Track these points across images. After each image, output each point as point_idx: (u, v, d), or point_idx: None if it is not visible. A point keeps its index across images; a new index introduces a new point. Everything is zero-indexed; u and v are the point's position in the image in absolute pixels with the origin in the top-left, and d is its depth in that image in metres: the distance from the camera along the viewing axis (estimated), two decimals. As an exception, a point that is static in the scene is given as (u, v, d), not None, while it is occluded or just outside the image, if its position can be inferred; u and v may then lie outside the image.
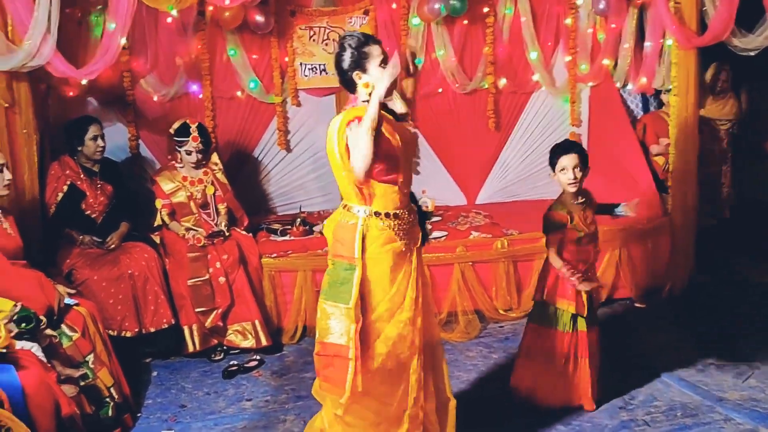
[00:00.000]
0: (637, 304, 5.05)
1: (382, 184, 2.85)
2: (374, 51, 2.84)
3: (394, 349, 2.88)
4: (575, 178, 3.44)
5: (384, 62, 2.81)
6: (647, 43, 5.35)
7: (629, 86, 5.71)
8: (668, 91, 5.25)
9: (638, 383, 3.89)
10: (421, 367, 2.95)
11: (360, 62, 2.84)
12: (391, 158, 2.82)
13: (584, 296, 3.52)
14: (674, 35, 4.89)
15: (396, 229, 2.88)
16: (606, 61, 5.63)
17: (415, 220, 2.98)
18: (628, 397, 3.77)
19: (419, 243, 3.01)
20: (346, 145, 2.76)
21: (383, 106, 2.73)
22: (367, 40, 2.87)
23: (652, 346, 4.42)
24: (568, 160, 3.45)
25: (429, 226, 3.15)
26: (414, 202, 3.06)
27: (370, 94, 2.72)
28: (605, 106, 5.79)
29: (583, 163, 3.49)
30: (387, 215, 2.86)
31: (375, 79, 2.75)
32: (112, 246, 4.43)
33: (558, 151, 3.51)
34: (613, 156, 5.57)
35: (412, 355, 2.92)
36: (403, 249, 2.90)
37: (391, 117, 2.89)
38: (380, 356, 2.87)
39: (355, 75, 2.85)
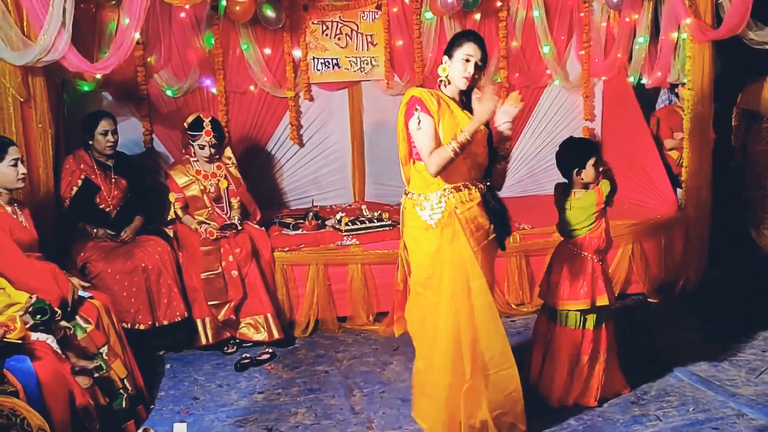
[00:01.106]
0: (650, 299, 5.03)
1: None
2: (467, 45, 3.10)
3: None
4: (595, 177, 3.57)
5: (469, 59, 3.08)
6: (662, 37, 5.31)
7: (644, 80, 5.67)
8: (683, 84, 5.22)
9: (650, 378, 3.87)
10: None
11: (450, 48, 3.15)
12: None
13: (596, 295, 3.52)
14: (689, 28, 4.85)
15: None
16: (620, 55, 5.59)
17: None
18: (640, 392, 3.76)
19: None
20: (405, 122, 3.13)
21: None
22: (467, 34, 3.19)
23: (665, 341, 4.40)
24: (592, 163, 3.55)
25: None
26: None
27: (447, 76, 3.14)
28: (619, 101, 5.75)
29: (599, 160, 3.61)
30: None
31: (451, 69, 3.12)
32: (126, 239, 4.46)
33: (582, 156, 3.58)
34: (627, 150, 5.54)
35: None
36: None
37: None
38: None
39: (444, 57, 3.18)
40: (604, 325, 3.60)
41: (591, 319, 3.55)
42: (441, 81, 3.18)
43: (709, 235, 5.19)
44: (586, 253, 3.56)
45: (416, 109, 3.06)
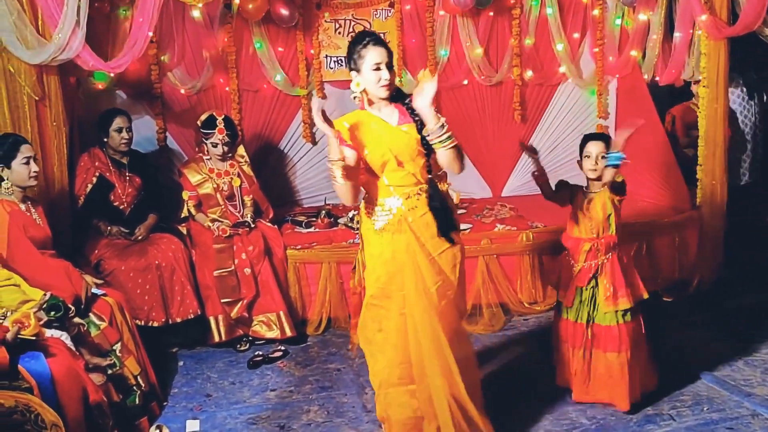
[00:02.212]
0: (664, 298, 4.99)
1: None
2: (369, 53, 2.91)
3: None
4: (596, 165, 3.52)
5: (378, 67, 2.91)
6: (677, 34, 5.25)
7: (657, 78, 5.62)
8: (697, 82, 5.17)
9: (664, 377, 3.84)
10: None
11: (353, 62, 2.97)
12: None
13: (576, 289, 3.53)
14: (704, 25, 4.80)
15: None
16: (634, 53, 5.55)
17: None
18: (654, 391, 3.73)
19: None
20: None
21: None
22: (362, 41, 2.95)
23: (679, 340, 4.37)
24: (594, 147, 3.53)
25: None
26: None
27: (363, 91, 2.98)
28: (633, 98, 5.71)
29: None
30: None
31: (366, 82, 2.94)
32: (140, 237, 4.48)
33: (587, 137, 3.62)
34: (641, 148, 5.49)
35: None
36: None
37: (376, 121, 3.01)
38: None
39: (352, 72, 2.98)
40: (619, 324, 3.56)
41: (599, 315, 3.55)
42: (356, 97, 3.02)
43: (725, 234, 5.14)
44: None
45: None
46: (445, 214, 3.04)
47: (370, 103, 3.04)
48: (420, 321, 3.02)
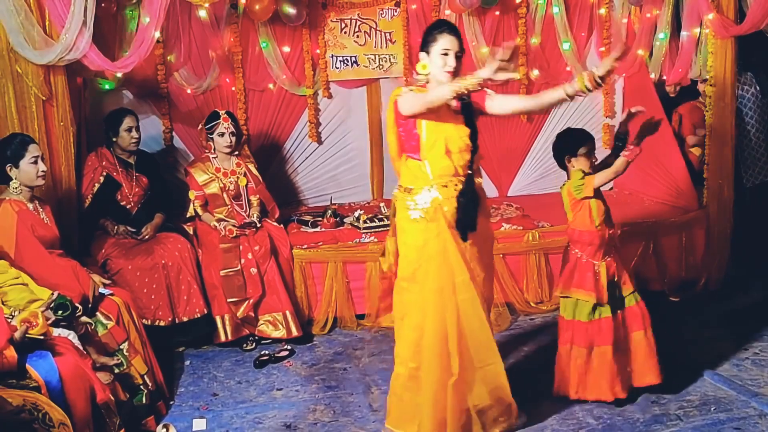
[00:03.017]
0: (671, 298, 4.98)
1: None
2: (442, 39, 3.08)
3: None
4: (596, 159, 3.63)
5: (447, 52, 3.08)
6: (683, 33, 5.24)
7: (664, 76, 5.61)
8: (704, 81, 5.16)
9: (671, 377, 3.84)
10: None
11: (425, 44, 3.15)
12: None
13: (603, 281, 3.51)
14: (711, 24, 4.79)
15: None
16: (640, 52, 5.54)
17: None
18: (661, 391, 3.72)
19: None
20: (395, 118, 3.16)
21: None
22: (439, 27, 3.15)
23: (686, 339, 4.36)
24: (592, 144, 3.67)
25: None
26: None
27: (428, 74, 3.14)
28: (639, 97, 5.69)
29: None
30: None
31: (431, 65, 3.12)
32: (147, 236, 4.49)
33: (581, 138, 3.69)
34: (648, 147, 5.44)
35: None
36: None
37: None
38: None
39: (421, 53, 3.17)
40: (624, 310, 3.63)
41: (605, 309, 3.56)
42: (421, 80, 3.19)
43: (732, 234, 5.12)
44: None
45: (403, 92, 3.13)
46: (468, 210, 3.14)
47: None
48: (439, 309, 3.13)
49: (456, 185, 3.15)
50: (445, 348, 3.15)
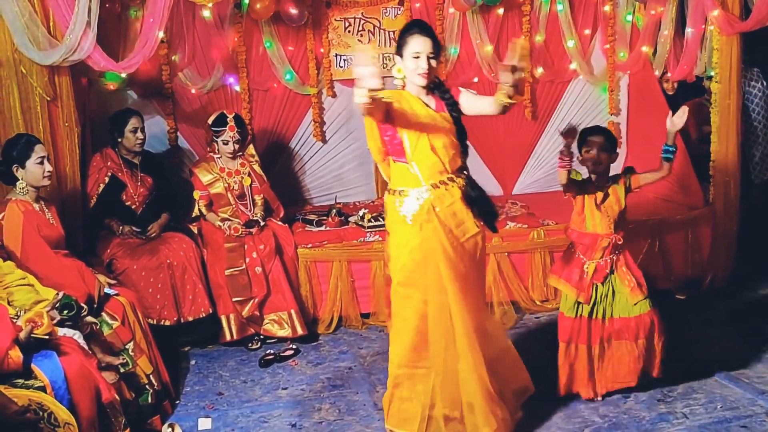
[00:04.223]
0: (677, 296, 4.96)
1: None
2: (412, 41, 3.02)
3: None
4: (599, 159, 3.53)
5: (418, 55, 3.01)
6: (688, 29, 5.22)
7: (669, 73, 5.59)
8: (709, 78, 5.14)
9: (677, 375, 3.83)
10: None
11: (399, 47, 3.10)
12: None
13: (587, 280, 3.51)
14: (716, 20, 4.77)
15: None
16: (645, 49, 5.52)
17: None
18: (667, 389, 3.72)
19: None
20: (375, 125, 3.13)
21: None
22: (410, 29, 3.08)
23: (692, 338, 4.34)
24: (596, 139, 3.55)
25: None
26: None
27: (403, 78, 3.10)
28: (644, 94, 5.68)
29: (611, 148, 3.57)
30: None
31: (405, 68, 3.07)
32: (152, 235, 4.50)
33: (586, 132, 3.62)
34: (653, 144, 5.44)
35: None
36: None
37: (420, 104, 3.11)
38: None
39: (396, 57, 3.13)
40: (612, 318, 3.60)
41: (585, 308, 3.57)
42: (398, 84, 3.15)
43: (738, 231, 5.10)
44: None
45: None
46: (485, 202, 3.15)
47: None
48: (442, 308, 3.11)
49: (445, 183, 3.11)
50: (452, 346, 3.15)
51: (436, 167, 3.10)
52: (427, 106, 3.11)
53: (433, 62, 3.04)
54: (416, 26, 3.09)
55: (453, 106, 3.13)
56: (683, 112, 3.52)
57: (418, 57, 3.01)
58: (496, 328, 3.42)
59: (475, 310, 3.18)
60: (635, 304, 3.50)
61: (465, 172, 3.19)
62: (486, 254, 3.33)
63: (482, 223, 3.17)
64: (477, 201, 3.14)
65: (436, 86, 3.15)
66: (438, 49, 3.07)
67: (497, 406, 3.20)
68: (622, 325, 3.53)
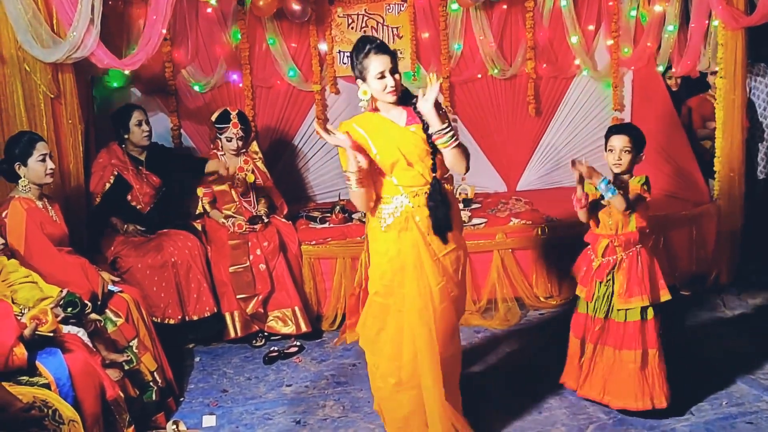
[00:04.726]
0: (681, 292, 4.95)
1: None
2: (371, 64, 2.91)
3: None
4: (619, 159, 3.42)
5: (382, 75, 2.91)
6: (692, 25, 5.20)
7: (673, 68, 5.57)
8: (714, 73, 5.12)
9: (682, 372, 3.82)
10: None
11: (358, 72, 2.99)
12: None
13: (591, 277, 3.49)
14: (721, 15, 4.75)
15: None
16: (649, 44, 5.50)
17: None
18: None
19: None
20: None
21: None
22: (364, 51, 2.94)
23: (697, 334, 4.33)
24: (617, 141, 3.44)
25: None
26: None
27: (368, 100, 3.00)
28: (648, 90, 5.66)
29: (636, 148, 3.44)
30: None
31: (373, 90, 2.96)
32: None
33: (611, 130, 3.53)
34: (657, 141, 5.45)
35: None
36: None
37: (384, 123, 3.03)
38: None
39: (358, 81, 3.01)
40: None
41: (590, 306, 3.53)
42: (364, 105, 3.04)
43: (743, 227, 5.09)
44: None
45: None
46: (439, 212, 3.01)
47: (376, 109, 3.06)
48: (417, 320, 3.02)
49: (426, 193, 3.02)
50: (434, 356, 3.03)
51: (416, 179, 3.01)
52: (396, 123, 3.03)
53: (397, 76, 2.96)
54: (369, 44, 2.95)
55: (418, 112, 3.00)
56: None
57: (383, 77, 2.92)
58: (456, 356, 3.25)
59: (444, 334, 3.06)
60: (619, 310, 3.41)
61: (434, 183, 3.03)
62: (467, 269, 3.23)
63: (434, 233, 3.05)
64: (431, 210, 3.01)
65: (404, 96, 3.04)
66: (396, 62, 2.99)
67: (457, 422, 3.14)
68: (613, 328, 3.45)
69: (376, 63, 2.92)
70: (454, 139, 2.93)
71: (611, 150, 3.46)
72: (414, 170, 3.01)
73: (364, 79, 2.97)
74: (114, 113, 4.58)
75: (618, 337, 3.43)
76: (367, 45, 2.95)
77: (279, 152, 5.47)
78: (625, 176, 3.48)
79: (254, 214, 4.68)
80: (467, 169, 3.05)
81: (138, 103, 4.89)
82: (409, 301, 3.03)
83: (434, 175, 3.02)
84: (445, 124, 2.92)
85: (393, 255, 3.06)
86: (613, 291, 3.47)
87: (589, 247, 3.59)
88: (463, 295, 3.24)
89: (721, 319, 4.57)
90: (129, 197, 4.52)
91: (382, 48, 2.95)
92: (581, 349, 3.56)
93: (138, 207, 4.55)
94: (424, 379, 3.04)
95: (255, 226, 4.56)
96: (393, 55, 2.97)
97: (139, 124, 4.50)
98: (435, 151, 3.01)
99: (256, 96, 5.37)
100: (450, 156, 2.97)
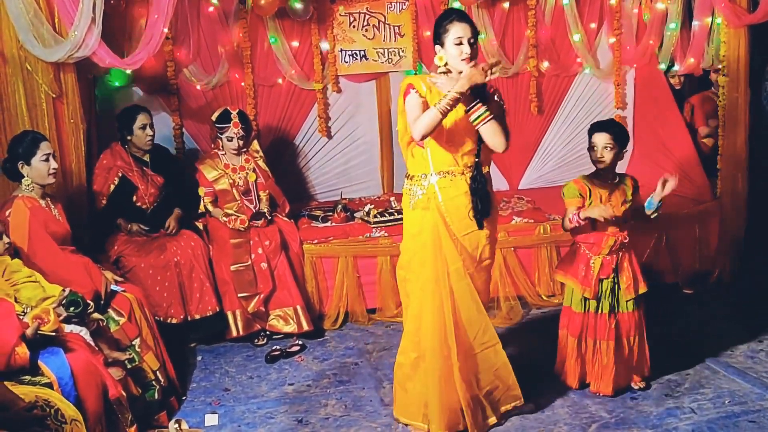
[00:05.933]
0: (684, 290, 4.94)
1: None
2: (453, 28, 3.07)
3: None
4: (601, 156, 3.49)
5: (461, 41, 3.06)
6: (695, 22, 5.19)
7: (675, 66, 5.55)
8: (716, 71, 5.10)
9: (685, 370, 3.82)
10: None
11: (438, 36, 3.14)
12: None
13: (593, 275, 3.50)
14: (723, 13, 4.74)
15: None
16: (651, 42, 5.49)
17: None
18: (674, 384, 3.71)
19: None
20: (403, 107, 3.16)
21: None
22: (448, 17, 3.13)
23: (700, 332, 4.33)
24: (599, 139, 3.50)
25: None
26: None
27: (446, 65, 3.13)
28: (651, 88, 5.65)
29: (619, 144, 3.50)
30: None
31: (448, 55, 3.10)
32: (173, 231, 4.50)
33: (593, 128, 3.58)
34: (660, 139, 5.45)
35: None
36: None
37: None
38: None
39: (436, 46, 3.16)
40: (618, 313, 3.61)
41: (592, 303, 3.58)
42: (440, 71, 3.18)
43: (746, 225, 5.07)
44: None
45: (410, 92, 3.13)
46: (482, 197, 3.15)
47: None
48: (431, 298, 3.17)
49: (453, 175, 3.16)
50: (444, 336, 3.19)
51: (449, 159, 3.16)
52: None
53: (475, 47, 3.10)
54: (454, 13, 3.15)
55: (482, 92, 3.09)
56: (674, 182, 3.50)
57: (460, 43, 3.06)
58: (491, 338, 3.34)
59: (467, 320, 3.22)
60: (627, 301, 3.54)
61: (476, 167, 3.18)
62: (492, 259, 3.34)
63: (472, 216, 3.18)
64: (474, 194, 3.16)
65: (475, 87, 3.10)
66: (477, 35, 3.13)
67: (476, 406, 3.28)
68: (623, 320, 3.57)
69: (458, 28, 3.07)
70: (485, 116, 3.04)
71: (593, 147, 3.52)
72: (449, 149, 3.13)
73: (442, 45, 3.12)
74: (119, 114, 4.57)
75: (626, 328, 3.56)
76: (452, 12, 3.17)
77: (281, 151, 5.46)
78: (627, 179, 3.52)
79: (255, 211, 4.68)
80: (505, 145, 3.14)
81: (140, 103, 4.89)
82: (426, 280, 3.17)
83: (477, 160, 3.16)
84: (477, 102, 3.04)
85: (415, 233, 3.22)
86: (618, 285, 3.52)
87: (581, 246, 3.57)
88: (486, 277, 3.35)
89: (723, 317, 4.56)
90: (134, 198, 4.51)
91: (465, 17, 3.13)
92: (579, 347, 3.58)
93: (143, 207, 4.54)
94: (430, 357, 3.19)
95: (258, 222, 4.56)
96: (473, 27, 3.13)
97: (143, 128, 4.49)
98: (480, 136, 3.13)
99: (258, 95, 5.36)
100: (484, 132, 3.08)
